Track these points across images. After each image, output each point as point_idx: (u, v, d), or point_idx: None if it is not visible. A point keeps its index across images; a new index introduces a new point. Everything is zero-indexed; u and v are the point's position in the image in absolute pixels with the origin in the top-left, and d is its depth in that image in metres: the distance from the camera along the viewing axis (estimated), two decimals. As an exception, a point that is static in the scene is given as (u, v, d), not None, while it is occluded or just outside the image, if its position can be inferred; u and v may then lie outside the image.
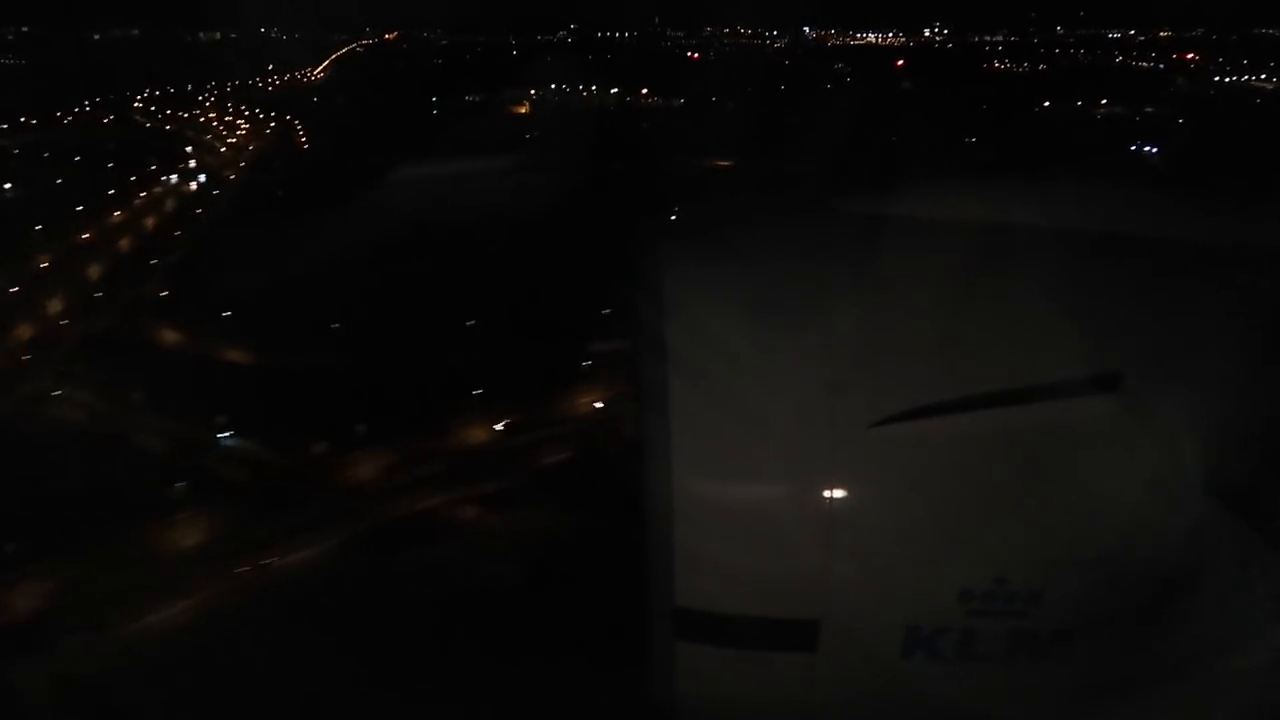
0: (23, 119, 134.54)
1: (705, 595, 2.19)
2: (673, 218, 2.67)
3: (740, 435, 2.15)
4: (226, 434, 47.65)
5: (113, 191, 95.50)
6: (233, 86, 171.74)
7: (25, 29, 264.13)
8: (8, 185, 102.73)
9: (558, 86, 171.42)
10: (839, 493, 2.10)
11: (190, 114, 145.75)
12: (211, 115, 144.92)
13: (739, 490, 2.16)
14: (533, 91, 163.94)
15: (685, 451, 2.12)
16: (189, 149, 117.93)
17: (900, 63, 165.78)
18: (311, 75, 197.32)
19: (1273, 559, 1.94)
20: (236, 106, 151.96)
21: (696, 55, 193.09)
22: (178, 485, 42.71)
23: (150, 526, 40.70)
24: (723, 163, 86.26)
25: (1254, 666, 2.06)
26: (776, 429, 2.13)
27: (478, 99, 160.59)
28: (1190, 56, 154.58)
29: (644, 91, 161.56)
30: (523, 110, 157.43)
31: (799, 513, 2.12)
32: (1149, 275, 2.34)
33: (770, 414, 2.14)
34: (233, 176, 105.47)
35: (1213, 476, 2.01)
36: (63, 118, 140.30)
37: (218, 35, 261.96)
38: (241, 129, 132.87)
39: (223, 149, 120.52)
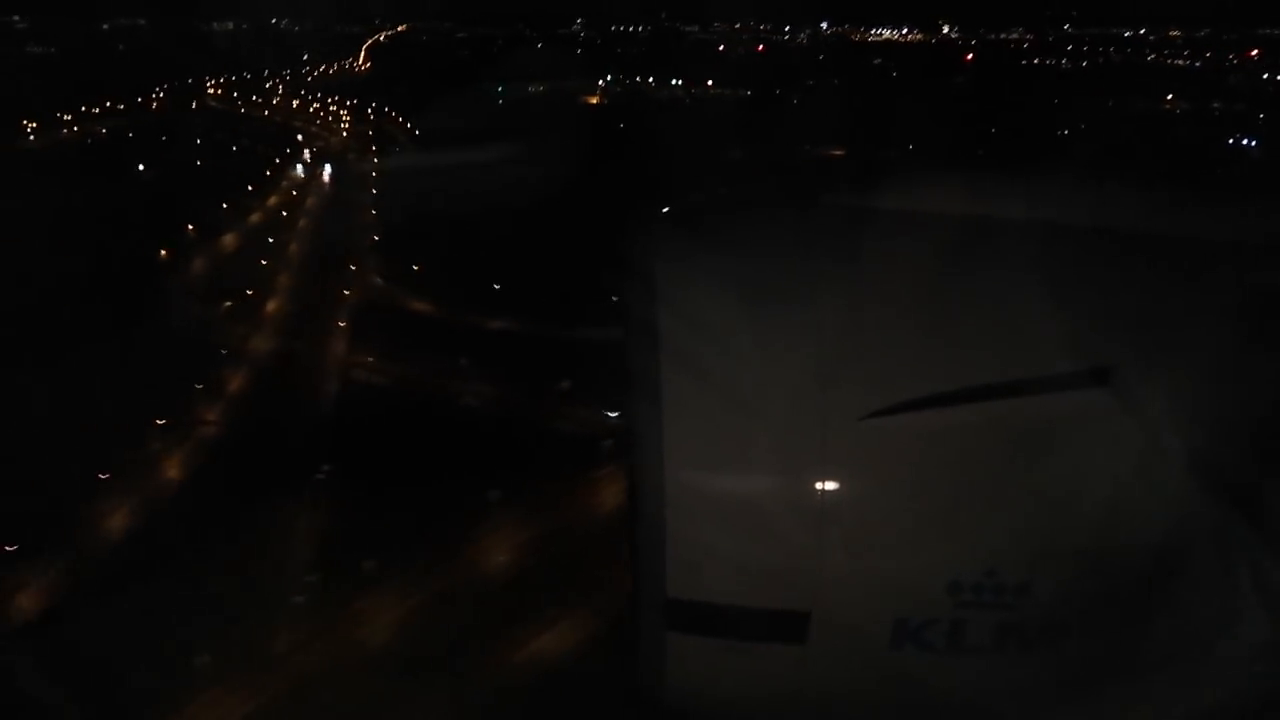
0: (108, 104, 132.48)
1: (696, 586, 2.19)
2: (665, 209, 2.67)
3: (732, 426, 2.16)
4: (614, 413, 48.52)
5: (268, 172, 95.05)
6: (292, 74, 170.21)
7: (25, 18, 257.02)
8: (141, 166, 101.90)
9: (615, 77, 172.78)
10: (830, 485, 2.11)
11: (274, 101, 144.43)
12: (295, 102, 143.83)
13: (730, 481, 2.16)
14: (599, 82, 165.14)
15: (677, 442, 2.13)
16: (299, 136, 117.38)
17: (969, 57, 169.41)
18: (358, 65, 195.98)
19: (1262, 552, 1.95)
20: (311, 93, 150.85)
21: (763, 48, 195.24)
22: (604, 443, 43.68)
23: (591, 477, 42.10)
24: (836, 151, 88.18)
25: (1243, 658, 2.07)
26: (768, 420, 2.14)
27: (541, 88, 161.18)
28: (1254, 53, 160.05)
29: (709, 83, 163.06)
30: (594, 100, 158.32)
31: (790, 504, 2.12)
32: (1140, 269, 2.36)
33: (762, 405, 2.15)
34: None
35: (1203, 470, 2.02)
36: (147, 103, 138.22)
37: (230, 25, 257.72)
38: (343, 115, 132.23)
39: (342, 133, 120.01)
